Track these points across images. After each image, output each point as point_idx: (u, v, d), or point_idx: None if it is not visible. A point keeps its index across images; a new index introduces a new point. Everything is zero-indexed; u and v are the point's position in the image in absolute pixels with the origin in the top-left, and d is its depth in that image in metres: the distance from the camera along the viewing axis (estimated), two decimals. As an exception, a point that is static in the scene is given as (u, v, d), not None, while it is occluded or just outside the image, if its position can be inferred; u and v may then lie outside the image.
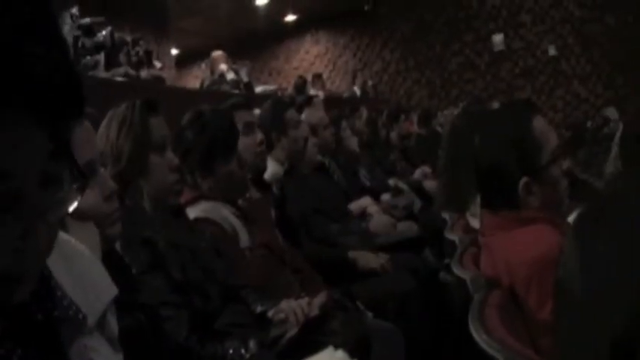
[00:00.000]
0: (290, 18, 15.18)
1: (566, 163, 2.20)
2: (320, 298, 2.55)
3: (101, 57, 5.17)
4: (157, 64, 6.90)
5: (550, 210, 2.07)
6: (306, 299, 2.54)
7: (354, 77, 14.55)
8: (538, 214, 2.04)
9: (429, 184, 6.49)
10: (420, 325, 3.77)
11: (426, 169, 7.19)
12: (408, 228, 5.00)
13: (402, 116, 9.22)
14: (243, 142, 3.56)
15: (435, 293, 3.82)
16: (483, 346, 1.48)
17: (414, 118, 10.09)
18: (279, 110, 4.42)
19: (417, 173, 7.28)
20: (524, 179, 2.03)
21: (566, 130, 10.38)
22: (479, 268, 2.20)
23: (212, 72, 8.61)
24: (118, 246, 2.26)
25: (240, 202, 3.15)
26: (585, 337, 0.83)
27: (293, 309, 2.43)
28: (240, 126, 3.40)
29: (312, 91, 10.89)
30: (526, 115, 2.08)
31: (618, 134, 5.29)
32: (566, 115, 14.15)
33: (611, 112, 9.38)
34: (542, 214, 2.04)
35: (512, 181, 2.04)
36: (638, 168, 0.91)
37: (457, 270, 2.18)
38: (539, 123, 2.09)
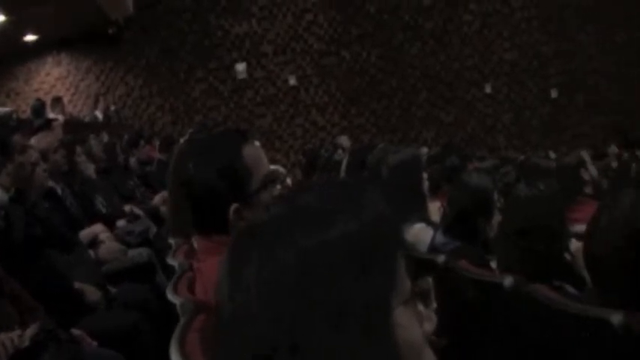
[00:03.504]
0: (30, 38, 14.54)
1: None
2: (31, 330, 2.47)
3: None
4: None
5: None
6: (18, 331, 2.45)
7: (96, 101, 14.24)
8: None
9: (166, 210, 6.48)
10: (150, 352, 3.74)
11: (166, 194, 7.15)
12: (138, 254, 4.96)
13: (142, 142, 9.15)
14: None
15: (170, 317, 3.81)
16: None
17: (156, 143, 10.03)
18: (4, 134, 4.24)
19: (157, 199, 7.23)
20: (234, 205, 2.09)
21: (302, 156, 10.80)
22: (194, 293, 2.23)
23: (-62, 92, 8.11)
24: None
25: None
26: (232, 354, 0.88)
27: (2, 341, 2.34)
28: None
29: (51, 115, 10.52)
30: (236, 143, 2.15)
31: (345, 161, 5.57)
32: (305, 142, 14.72)
33: (344, 140, 9.89)
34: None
35: (223, 206, 2.08)
36: (291, 195, 0.98)
37: (170, 296, 2.19)
38: (249, 151, 2.16)
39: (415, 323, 0.90)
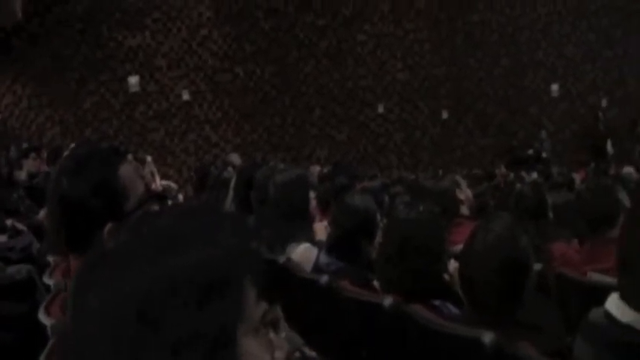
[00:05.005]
0: None
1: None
2: None
3: None
4: None
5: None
6: None
7: (-20, 110, 13.78)
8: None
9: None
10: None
11: (51, 209, 6.94)
12: (17, 271, 4.81)
13: (32, 154, 8.89)
14: None
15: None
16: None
17: (44, 155, 9.75)
18: None
19: (42, 213, 7.02)
20: (109, 225, 2.04)
21: (194, 173, 10.70)
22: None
23: None
24: None
25: None
26: None
27: None
28: None
29: None
30: (113, 161, 2.11)
31: (234, 179, 5.54)
32: (198, 158, 14.61)
33: (235, 158, 9.87)
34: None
35: (97, 225, 2.04)
36: (142, 221, 0.97)
37: (42, 316, 2.13)
38: (125, 170, 2.12)
39: (265, 352, 0.90)
